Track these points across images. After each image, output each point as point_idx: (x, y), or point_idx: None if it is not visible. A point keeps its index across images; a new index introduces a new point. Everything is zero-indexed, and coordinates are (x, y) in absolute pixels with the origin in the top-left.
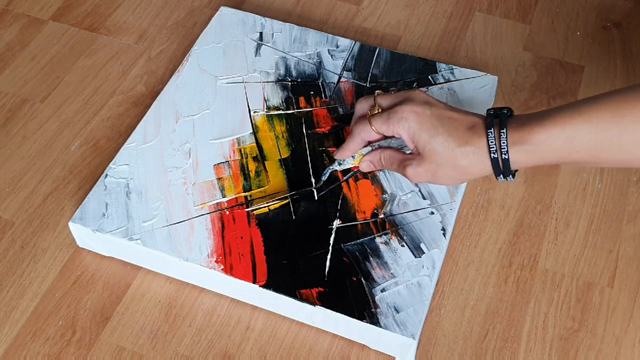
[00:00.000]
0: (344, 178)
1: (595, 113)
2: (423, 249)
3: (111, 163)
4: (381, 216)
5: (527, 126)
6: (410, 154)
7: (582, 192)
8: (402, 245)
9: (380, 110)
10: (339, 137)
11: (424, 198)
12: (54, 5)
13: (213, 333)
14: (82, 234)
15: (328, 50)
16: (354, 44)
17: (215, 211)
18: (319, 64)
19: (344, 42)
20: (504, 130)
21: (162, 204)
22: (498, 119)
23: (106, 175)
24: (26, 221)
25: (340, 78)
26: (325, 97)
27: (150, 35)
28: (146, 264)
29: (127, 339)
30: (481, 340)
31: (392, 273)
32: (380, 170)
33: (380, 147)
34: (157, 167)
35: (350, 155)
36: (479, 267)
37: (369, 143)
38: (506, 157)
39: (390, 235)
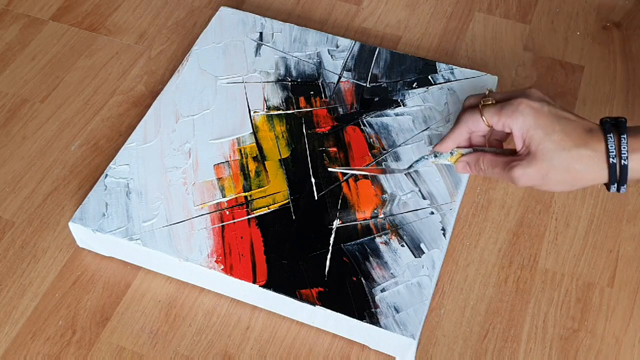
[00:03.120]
0: (344, 178)
1: None
2: (423, 249)
3: (111, 163)
4: (381, 216)
5: None
6: (514, 156)
7: (582, 192)
8: (402, 245)
9: (493, 102)
10: (339, 137)
11: (424, 198)
12: (54, 5)
13: (213, 333)
14: (82, 234)
15: (328, 50)
16: (354, 44)
17: (215, 211)
18: (319, 64)
19: (344, 42)
20: (625, 136)
21: (162, 204)
22: (616, 127)
23: (106, 175)
24: (26, 221)
25: (340, 78)
26: (325, 97)
27: (150, 35)
28: (146, 264)
29: (127, 339)
30: (481, 340)
31: (392, 273)
32: (473, 174)
33: (480, 151)
34: (157, 167)
35: (452, 148)
36: (479, 267)
37: (471, 144)
38: (625, 163)
39: (390, 235)
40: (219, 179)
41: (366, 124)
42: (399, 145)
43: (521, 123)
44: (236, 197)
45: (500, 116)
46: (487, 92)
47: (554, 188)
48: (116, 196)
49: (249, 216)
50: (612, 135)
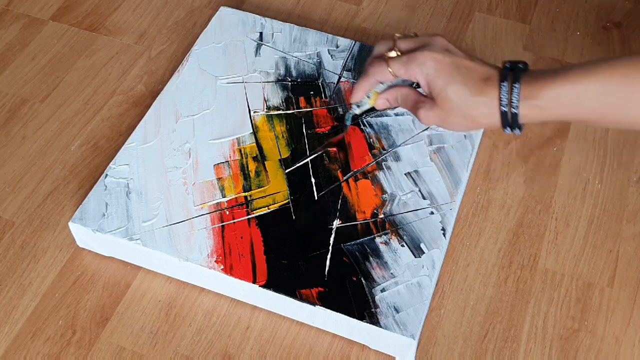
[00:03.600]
0: (344, 178)
1: (607, 72)
2: (423, 249)
3: (111, 163)
4: (381, 216)
5: (539, 81)
6: (425, 95)
7: (582, 192)
8: (402, 245)
9: (399, 53)
10: None
11: (424, 198)
12: (54, 5)
13: (213, 333)
14: (82, 234)
15: (328, 50)
16: (354, 44)
17: (215, 211)
18: (319, 64)
19: (344, 42)
20: (517, 85)
21: (162, 204)
22: (512, 72)
23: (106, 175)
24: (26, 221)
25: (340, 78)
26: (325, 97)
27: (150, 35)
28: (146, 264)
29: (127, 339)
30: (481, 340)
31: (392, 273)
32: (395, 107)
33: (396, 85)
34: (157, 167)
35: (364, 95)
36: (479, 267)
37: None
38: (516, 112)
39: (390, 235)
40: (219, 179)
41: (366, 124)
42: (399, 145)
43: (425, 75)
44: (236, 197)
45: (406, 69)
46: (396, 36)
47: (454, 129)
48: (116, 196)
49: (249, 216)
50: (506, 83)
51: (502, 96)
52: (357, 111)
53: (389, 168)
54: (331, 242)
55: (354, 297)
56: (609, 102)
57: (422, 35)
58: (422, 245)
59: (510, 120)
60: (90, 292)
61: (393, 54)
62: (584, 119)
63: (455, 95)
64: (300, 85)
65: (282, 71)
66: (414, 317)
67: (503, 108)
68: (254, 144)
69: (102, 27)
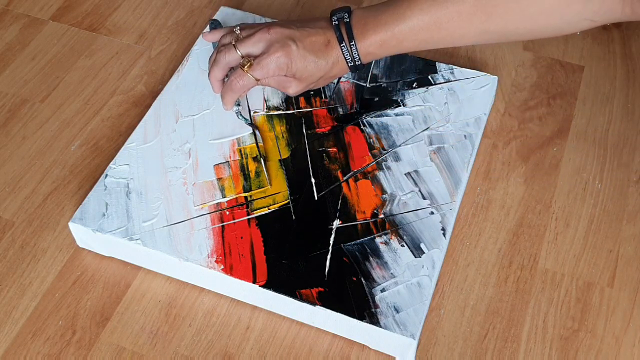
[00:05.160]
0: (344, 178)
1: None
2: (423, 249)
3: (111, 163)
4: (381, 216)
5: (371, 29)
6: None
7: (582, 192)
8: (402, 245)
9: (251, 60)
10: (339, 137)
11: (424, 198)
12: (54, 5)
13: (213, 333)
14: (82, 234)
15: None
16: None
17: (215, 211)
18: None
19: None
20: (353, 43)
21: (162, 204)
22: (344, 26)
23: (106, 175)
24: (26, 221)
25: (340, 78)
26: (325, 97)
27: (150, 35)
28: (146, 264)
29: (127, 339)
30: (481, 340)
31: (392, 273)
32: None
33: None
34: (157, 167)
35: (234, 102)
36: (479, 267)
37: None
38: (359, 63)
39: (390, 235)
40: (219, 179)
41: (366, 124)
42: (399, 145)
43: (285, 69)
44: (236, 197)
45: (267, 73)
46: (236, 29)
47: (319, 86)
48: (116, 196)
49: (249, 216)
50: (344, 44)
51: (346, 57)
52: (243, 118)
53: (389, 168)
54: (331, 242)
55: (354, 297)
56: (433, 25)
57: (256, 27)
58: (422, 245)
59: (357, 68)
60: (90, 292)
61: (247, 62)
62: (420, 47)
63: (315, 69)
64: None
65: None
66: (414, 317)
67: (350, 64)
68: (254, 144)
69: (102, 27)
